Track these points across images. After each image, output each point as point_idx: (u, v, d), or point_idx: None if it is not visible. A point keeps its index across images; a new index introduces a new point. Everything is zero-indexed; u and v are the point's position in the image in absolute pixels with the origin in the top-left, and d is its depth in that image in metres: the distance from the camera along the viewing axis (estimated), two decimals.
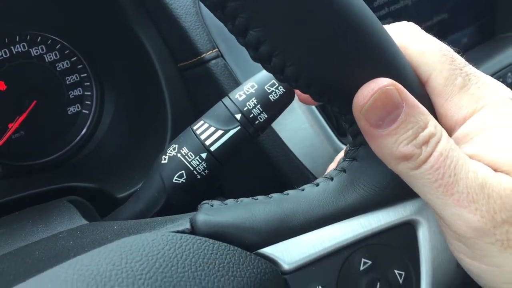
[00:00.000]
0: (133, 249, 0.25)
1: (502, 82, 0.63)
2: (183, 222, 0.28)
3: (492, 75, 0.62)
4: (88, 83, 0.58)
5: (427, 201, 0.27)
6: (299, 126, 0.50)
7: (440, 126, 0.27)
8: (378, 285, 0.29)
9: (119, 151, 0.55)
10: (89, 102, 0.58)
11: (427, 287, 0.30)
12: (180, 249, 0.25)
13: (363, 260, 0.29)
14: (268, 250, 0.28)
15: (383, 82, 0.26)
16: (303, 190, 0.30)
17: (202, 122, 0.39)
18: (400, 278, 0.30)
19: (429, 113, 0.27)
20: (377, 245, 0.29)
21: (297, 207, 0.29)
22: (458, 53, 0.30)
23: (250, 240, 0.27)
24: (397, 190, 0.30)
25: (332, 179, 0.30)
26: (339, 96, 0.28)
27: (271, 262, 0.27)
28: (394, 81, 0.26)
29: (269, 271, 0.27)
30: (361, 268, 0.29)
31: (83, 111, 0.58)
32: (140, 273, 0.24)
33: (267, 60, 0.26)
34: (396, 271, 0.29)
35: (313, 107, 0.51)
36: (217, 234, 0.27)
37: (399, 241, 0.30)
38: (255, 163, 0.49)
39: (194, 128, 0.39)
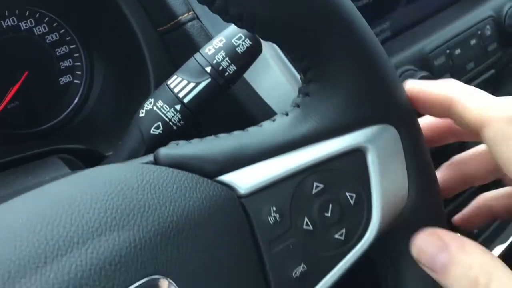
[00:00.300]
0: (99, 176, 0.28)
1: (480, 34, 0.65)
2: (149, 157, 0.31)
3: (469, 28, 0.64)
4: (77, 54, 0.60)
5: None
6: (276, 82, 0.52)
7: (491, 265, 0.29)
8: (330, 207, 0.32)
9: (109, 116, 0.59)
10: (79, 72, 0.61)
11: (378, 207, 0.32)
12: (141, 176, 0.28)
13: (315, 184, 0.31)
14: (225, 177, 0.30)
15: None
16: (261, 126, 0.33)
17: (175, 76, 0.42)
18: (351, 200, 0.32)
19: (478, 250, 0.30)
20: (328, 170, 0.32)
21: (253, 139, 0.31)
22: None
23: (208, 169, 0.30)
24: (347, 121, 0.32)
25: (287, 114, 0.33)
26: (285, 34, 0.30)
27: (228, 187, 0.30)
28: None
29: (226, 195, 0.29)
30: (314, 191, 0.31)
31: (75, 81, 0.61)
32: (103, 195, 0.26)
33: (211, 2, 0.28)
34: (347, 194, 0.32)
35: (289, 63, 0.53)
36: (177, 164, 0.30)
37: (350, 166, 0.32)
38: (233, 118, 0.52)
39: (168, 82, 0.42)
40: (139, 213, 0.26)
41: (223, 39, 0.41)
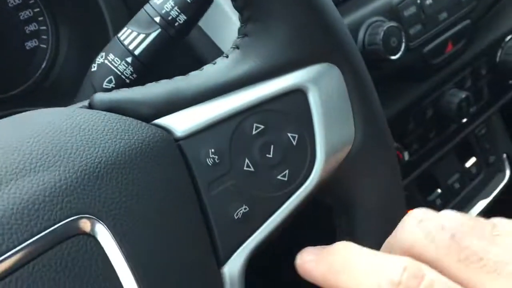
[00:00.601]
0: (27, 120, 0.28)
1: None
2: (85, 102, 0.31)
3: None
4: (41, 18, 0.60)
5: None
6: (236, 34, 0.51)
7: None
8: (272, 148, 0.31)
9: (76, 78, 0.58)
10: (45, 37, 0.60)
11: (322, 147, 0.32)
12: (71, 119, 0.28)
13: (255, 125, 0.31)
14: (161, 120, 0.30)
15: None
16: (202, 69, 0.32)
17: (125, 29, 0.41)
18: (294, 140, 0.32)
19: None
20: (269, 111, 0.31)
21: (191, 82, 0.31)
22: None
23: (143, 113, 0.30)
24: (286, 61, 0.32)
25: (227, 56, 0.32)
26: None
27: (164, 130, 0.30)
28: None
29: (161, 137, 0.29)
30: (254, 132, 0.31)
31: (41, 45, 0.60)
32: (30, 137, 0.26)
33: None
34: (289, 134, 0.32)
35: None
36: (111, 108, 0.30)
37: (291, 107, 0.32)
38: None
39: (119, 35, 0.41)
40: (65, 154, 0.26)
41: None
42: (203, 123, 0.30)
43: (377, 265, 0.24)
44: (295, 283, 0.35)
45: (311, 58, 0.32)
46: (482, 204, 0.76)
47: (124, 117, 0.29)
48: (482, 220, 0.27)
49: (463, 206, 0.74)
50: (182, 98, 0.30)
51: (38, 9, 0.59)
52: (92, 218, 0.25)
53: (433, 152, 0.68)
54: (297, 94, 0.32)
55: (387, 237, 0.34)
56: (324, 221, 0.40)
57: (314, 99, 0.32)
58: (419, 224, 0.26)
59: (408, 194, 0.70)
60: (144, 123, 0.29)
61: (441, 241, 0.25)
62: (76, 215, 0.25)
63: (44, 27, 0.60)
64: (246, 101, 0.31)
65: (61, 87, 0.59)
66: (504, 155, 0.81)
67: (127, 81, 0.41)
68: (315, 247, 0.28)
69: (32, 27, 0.59)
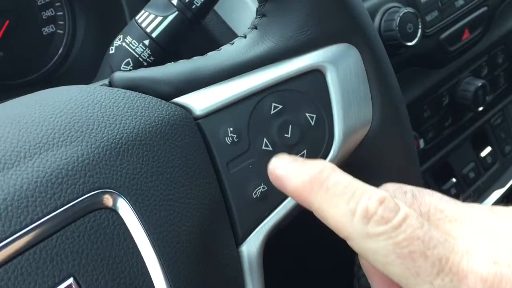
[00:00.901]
0: (49, 96, 0.28)
1: None
2: (105, 81, 0.31)
3: None
4: (58, 3, 0.60)
5: None
6: (252, 19, 0.51)
7: None
8: (290, 127, 0.31)
9: (93, 64, 0.58)
10: (62, 22, 0.61)
11: (341, 127, 0.32)
12: (92, 96, 0.28)
13: (273, 104, 0.31)
14: (180, 99, 0.30)
15: None
16: (220, 50, 0.32)
17: (143, 11, 0.42)
18: (312, 120, 0.32)
19: None
20: (287, 90, 0.31)
21: (209, 61, 0.31)
22: None
23: (163, 91, 0.30)
24: (305, 41, 0.32)
25: (245, 36, 0.32)
26: None
27: (184, 108, 0.30)
28: None
29: (180, 115, 0.29)
30: (272, 112, 0.31)
31: (58, 31, 0.61)
32: (52, 113, 0.26)
33: None
34: (307, 114, 0.32)
35: None
36: (131, 86, 0.30)
37: (309, 87, 0.32)
38: None
39: (137, 18, 0.42)
40: (87, 130, 0.26)
41: None
42: (221, 102, 0.30)
43: (356, 192, 0.23)
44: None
45: (330, 38, 0.32)
46: (497, 194, 0.75)
47: (144, 95, 0.29)
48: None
49: (478, 195, 0.73)
50: (201, 77, 0.30)
51: None
52: (114, 193, 0.25)
53: (448, 140, 0.68)
54: (315, 74, 0.32)
55: None
56: None
57: (332, 80, 0.32)
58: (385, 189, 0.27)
59: (423, 183, 0.70)
60: (163, 101, 0.29)
61: (404, 201, 0.26)
62: (98, 190, 0.25)
63: (61, 13, 0.60)
64: (265, 80, 0.31)
65: (78, 72, 0.60)
66: None
67: (145, 63, 0.41)
68: (290, 155, 0.26)
69: (49, 12, 0.60)
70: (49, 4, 0.60)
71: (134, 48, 0.41)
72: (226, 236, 0.29)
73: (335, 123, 0.32)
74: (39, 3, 0.59)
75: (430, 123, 0.64)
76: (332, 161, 0.32)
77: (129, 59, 0.41)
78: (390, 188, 0.27)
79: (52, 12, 0.60)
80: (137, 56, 0.41)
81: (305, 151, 0.32)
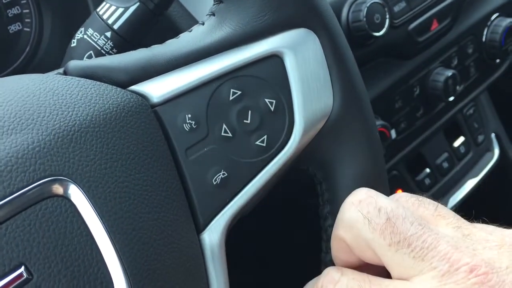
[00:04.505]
0: (2, 84, 0.27)
1: None
2: (59, 70, 0.31)
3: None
4: (24, 1, 0.59)
5: None
6: None
7: None
8: (249, 113, 0.31)
9: (61, 61, 0.58)
10: (28, 20, 0.60)
11: (301, 112, 0.32)
12: (45, 84, 0.28)
13: (232, 90, 0.31)
14: (137, 87, 0.30)
15: None
16: (178, 37, 0.32)
17: (104, 3, 0.41)
18: (272, 106, 0.32)
19: None
20: (246, 76, 0.31)
21: (166, 48, 0.31)
22: None
23: (119, 79, 0.30)
24: (262, 26, 0.31)
25: (203, 23, 0.32)
26: None
27: (140, 96, 0.29)
28: None
29: (137, 103, 0.29)
30: (231, 98, 0.31)
31: (24, 29, 0.60)
32: (2, 102, 0.26)
33: None
34: (266, 100, 0.32)
35: None
36: (87, 75, 0.29)
37: (268, 72, 0.32)
38: None
39: (98, 10, 0.41)
40: (39, 118, 0.26)
41: None
42: (179, 89, 0.30)
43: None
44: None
45: (287, 23, 0.32)
46: (471, 183, 0.76)
47: (99, 83, 0.29)
48: (425, 201, 0.29)
49: (452, 185, 0.74)
50: (158, 64, 0.30)
51: None
52: (66, 180, 0.25)
53: (421, 131, 0.68)
54: (274, 60, 0.32)
55: None
56: (310, 223, 0.40)
57: (290, 64, 0.32)
58: (359, 205, 0.29)
59: (397, 174, 0.70)
60: (119, 89, 0.29)
61: (376, 224, 0.28)
62: (49, 177, 0.24)
63: (27, 10, 0.60)
64: (222, 67, 0.31)
65: (47, 69, 0.59)
66: (493, 135, 0.82)
67: (107, 55, 0.41)
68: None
69: (15, 10, 0.59)
70: (14, 2, 0.59)
71: (96, 40, 0.40)
72: (186, 224, 0.29)
73: (295, 108, 0.32)
74: (4, 1, 0.58)
75: (402, 113, 0.64)
76: (293, 146, 0.32)
77: (91, 51, 0.41)
78: (368, 208, 0.28)
79: (18, 10, 0.59)
80: (99, 48, 0.40)
81: (265, 136, 0.31)
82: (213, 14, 0.32)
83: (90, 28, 0.41)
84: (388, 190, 0.36)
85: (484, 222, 0.30)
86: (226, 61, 0.31)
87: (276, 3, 0.31)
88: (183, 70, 0.30)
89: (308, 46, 0.32)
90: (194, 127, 0.30)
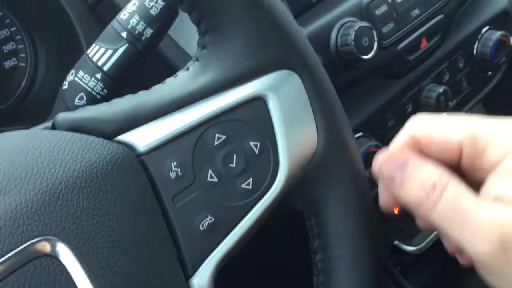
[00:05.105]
0: None
1: None
2: (48, 124, 0.31)
3: None
4: (19, 37, 0.60)
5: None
6: None
7: (447, 176, 0.29)
8: (234, 157, 0.32)
9: (56, 96, 0.59)
10: (23, 55, 0.61)
11: (285, 154, 0.33)
12: (33, 141, 0.28)
13: (216, 135, 0.32)
14: (123, 137, 0.30)
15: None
16: (164, 83, 0.33)
17: (94, 45, 0.42)
18: (256, 148, 0.32)
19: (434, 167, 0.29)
20: (230, 121, 0.32)
21: (152, 96, 0.32)
22: None
23: (105, 130, 0.30)
24: (245, 70, 0.32)
25: (188, 69, 0.33)
26: None
27: (126, 146, 0.30)
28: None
29: (122, 153, 0.29)
30: (216, 143, 0.32)
31: (20, 64, 0.61)
32: None
33: None
34: (251, 143, 0.32)
35: None
36: (74, 128, 0.30)
37: (252, 115, 0.32)
38: None
39: (88, 52, 0.42)
40: (26, 177, 0.26)
41: (136, 2, 0.41)
42: (164, 137, 0.31)
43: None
44: None
45: (269, 66, 0.32)
46: None
47: (86, 136, 0.29)
48: None
49: None
50: (143, 113, 0.31)
51: (14, 28, 0.60)
52: (54, 239, 0.25)
53: None
54: (257, 102, 0.32)
55: (358, 238, 0.36)
56: (296, 228, 0.40)
57: (274, 107, 0.32)
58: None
59: None
60: (106, 141, 0.30)
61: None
62: (37, 237, 0.25)
63: (22, 46, 0.61)
64: (207, 112, 0.31)
65: (42, 103, 0.60)
66: None
67: (98, 96, 0.42)
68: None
69: (10, 46, 0.60)
70: (9, 38, 0.60)
71: (86, 82, 0.41)
72: (175, 271, 0.29)
73: (280, 149, 0.33)
74: None
75: (395, 132, 0.64)
76: (278, 187, 0.33)
77: (82, 93, 0.41)
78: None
79: (13, 46, 0.60)
80: (90, 90, 0.41)
81: (250, 179, 0.32)
82: (197, 59, 0.33)
83: (80, 71, 0.41)
84: (377, 222, 0.37)
85: None
86: (210, 106, 0.32)
87: (257, 47, 0.32)
88: (168, 118, 0.31)
89: (291, 87, 0.33)
90: (180, 174, 0.30)
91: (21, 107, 0.61)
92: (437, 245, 0.75)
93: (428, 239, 0.74)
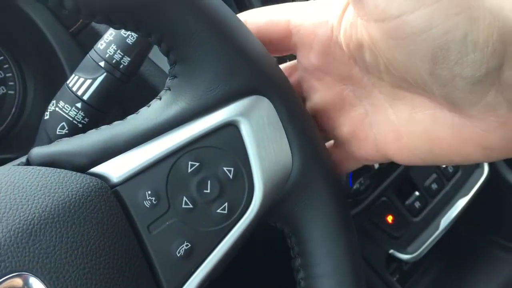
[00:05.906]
0: None
1: None
2: (22, 159, 0.32)
3: None
4: (7, 65, 0.61)
5: None
6: None
7: None
8: (208, 183, 0.32)
9: None
10: (12, 83, 0.62)
11: (260, 177, 0.33)
12: (5, 178, 0.29)
13: (190, 163, 0.32)
14: (97, 169, 0.31)
15: None
16: (138, 113, 0.33)
17: (73, 75, 0.43)
18: (230, 173, 0.33)
19: None
20: (202, 147, 0.32)
21: (125, 127, 0.32)
22: None
23: (79, 163, 0.31)
24: (215, 97, 0.33)
25: (160, 98, 0.34)
26: (133, 18, 0.30)
27: (100, 177, 0.31)
28: None
29: (95, 185, 0.30)
30: (189, 170, 0.32)
31: (9, 92, 0.62)
32: None
33: None
34: (225, 168, 0.33)
35: None
36: (48, 162, 0.31)
37: (224, 141, 0.33)
38: None
39: (68, 82, 0.43)
40: None
41: (113, 32, 0.42)
42: (138, 166, 0.31)
43: None
44: None
45: (239, 92, 0.33)
46: (462, 202, 0.76)
47: (59, 170, 0.30)
48: None
49: (443, 206, 0.74)
50: (117, 144, 0.31)
51: (2, 57, 0.61)
52: (26, 274, 0.26)
53: None
54: (229, 129, 0.33)
55: (339, 256, 0.36)
56: (279, 246, 0.41)
57: (246, 131, 0.33)
58: None
59: (386, 200, 0.71)
60: (78, 174, 0.30)
61: None
62: (10, 274, 0.26)
63: (10, 74, 0.62)
64: (179, 141, 0.32)
65: (31, 131, 0.61)
66: None
67: (80, 125, 0.42)
68: None
69: None
70: None
71: (67, 112, 0.42)
72: None
73: (254, 173, 0.33)
74: None
75: None
76: (254, 209, 0.33)
77: (64, 123, 0.42)
78: None
79: (1, 74, 0.61)
80: (71, 119, 0.42)
81: (226, 204, 0.32)
82: (169, 89, 0.33)
83: (61, 101, 0.42)
84: (356, 238, 0.37)
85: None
86: (182, 135, 0.32)
87: (226, 75, 0.32)
88: (142, 148, 0.32)
89: (262, 111, 0.33)
90: (154, 202, 0.31)
91: (11, 135, 0.62)
92: (434, 252, 0.76)
93: (424, 246, 0.74)
